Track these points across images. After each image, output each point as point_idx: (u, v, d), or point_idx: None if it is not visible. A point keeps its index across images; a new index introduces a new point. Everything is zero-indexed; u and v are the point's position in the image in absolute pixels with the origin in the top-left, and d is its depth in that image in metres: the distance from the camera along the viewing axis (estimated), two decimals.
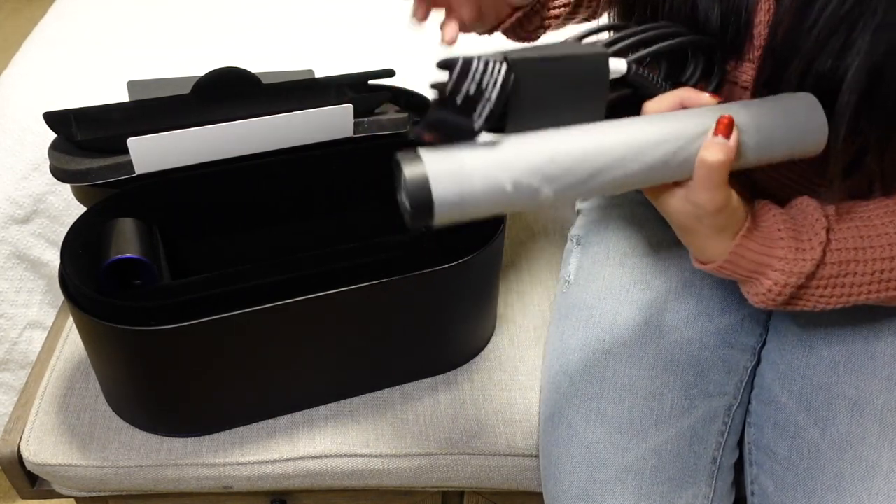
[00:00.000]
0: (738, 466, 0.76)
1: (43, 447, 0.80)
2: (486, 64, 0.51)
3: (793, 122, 0.56)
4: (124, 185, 0.79)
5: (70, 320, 0.92)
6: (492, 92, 0.51)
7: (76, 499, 0.89)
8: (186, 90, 0.81)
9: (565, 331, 0.80)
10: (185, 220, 0.84)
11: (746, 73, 0.61)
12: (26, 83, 1.18)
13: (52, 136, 0.81)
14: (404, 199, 0.49)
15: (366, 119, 0.86)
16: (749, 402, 0.77)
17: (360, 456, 0.81)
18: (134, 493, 0.85)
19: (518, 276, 0.99)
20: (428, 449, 0.81)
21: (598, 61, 0.55)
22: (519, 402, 0.85)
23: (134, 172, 0.78)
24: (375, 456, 0.81)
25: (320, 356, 0.79)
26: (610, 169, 0.52)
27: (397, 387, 0.86)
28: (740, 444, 0.76)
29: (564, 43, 0.59)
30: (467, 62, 0.51)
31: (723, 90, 0.64)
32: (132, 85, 0.88)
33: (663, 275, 0.79)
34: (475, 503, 0.91)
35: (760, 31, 0.60)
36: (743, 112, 0.55)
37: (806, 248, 0.59)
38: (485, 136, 0.52)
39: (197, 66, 0.90)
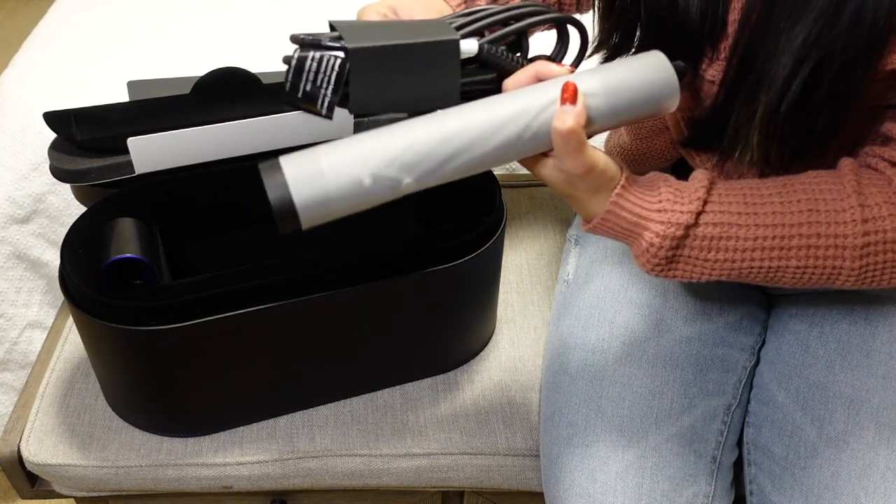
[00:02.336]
0: (738, 466, 0.76)
1: (43, 447, 0.80)
2: (321, 61, 0.53)
3: (644, 82, 0.57)
4: (124, 185, 0.79)
5: (70, 320, 0.92)
6: (327, 88, 0.54)
7: (76, 499, 0.89)
8: (186, 90, 0.81)
9: (564, 330, 0.80)
10: (185, 220, 0.84)
11: (714, 67, 0.62)
12: (26, 83, 1.18)
13: (52, 136, 0.81)
14: (272, 207, 0.50)
15: (365, 119, 0.86)
16: (748, 402, 0.77)
17: (360, 456, 0.81)
18: (134, 493, 0.85)
19: (518, 276, 1.00)
20: (428, 449, 0.81)
21: (446, 45, 0.57)
22: (519, 402, 0.85)
23: (134, 172, 0.78)
24: (375, 456, 0.81)
25: (320, 356, 0.79)
26: (467, 150, 0.53)
27: (397, 387, 0.86)
28: (740, 443, 0.76)
29: (416, 24, 0.60)
30: (301, 62, 0.54)
31: (697, 86, 0.65)
32: (132, 85, 0.88)
33: None
34: (475, 503, 0.91)
35: (734, 30, 0.60)
36: (593, 77, 0.56)
37: (685, 201, 0.58)
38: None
39: (197, 66, 0.90)
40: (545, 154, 0.57)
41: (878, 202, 0.57)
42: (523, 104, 0.54)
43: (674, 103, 0.58)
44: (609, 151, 0.90)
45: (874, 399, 0.68)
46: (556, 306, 0.85)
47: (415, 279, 0.76)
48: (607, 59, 0.70)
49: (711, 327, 0.76)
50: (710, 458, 0.72)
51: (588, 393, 0.73)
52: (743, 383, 0.76)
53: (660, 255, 0.59)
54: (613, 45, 0.69)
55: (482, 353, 0.90)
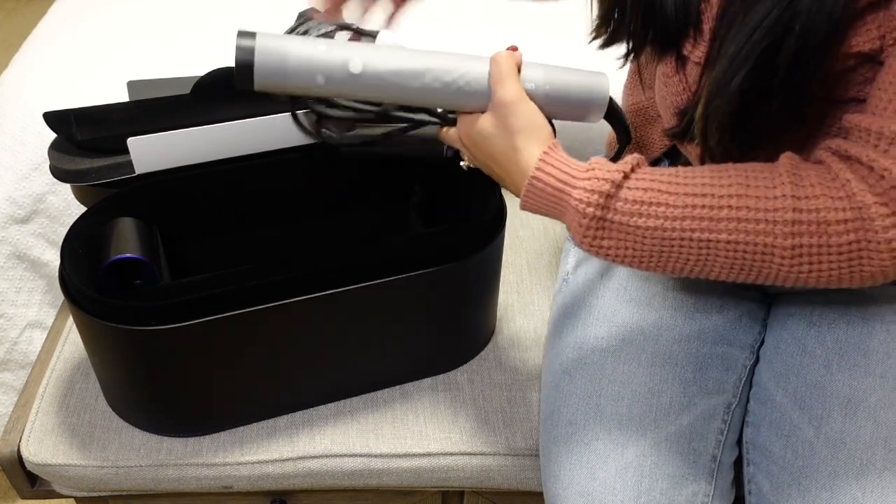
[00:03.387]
0: (738, 465, 0.76)
1: (43, 447, 0.80)
2: None
3: (583, 90, 0.66)
4: (124, 185, 0.79)
5: (70, 320, 0.92)
6: None
7: (76, 499, 0.89)
8: (186, 90, 0.81)
9: (564, 329, 0.80)
10: (185, 220, 0.84)
11: (699, 49, 0.64)
12: (26, 83, 1.18)
13: (52, 136, 0.81)
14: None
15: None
16: (748, 401, 0.77)
17: (360, 456, 0.81)
18: (134, 493, 0.85)
19: (518, 276, 1.00)
20: (428, 449, 0.81)
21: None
22: (519, 402, 0.85)
23: (134, 172, 0.78)
24: (375, 456, 0.81)
25: (320, 356, 0.79)
26: (417, 74, 0.63)
27: (397, 387, 0.86)
28: (739, 442, 0.76)
29: None
30: None
31: (688, 70, 0.66)
32: (132, 85, 0.88)
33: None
34: (475, 503, 0.91)
35: (710, 8, 0.62)
36: (544, 68, 0.66)
37: (613, 166, 0.59)
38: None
39: (197, 66, 0.90)
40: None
41: (813, 183, 0.56)
42: (472, 59, 0.65)
43: (595, 119, 0.68)
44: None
45: (871, 398, 0.68)
46: (556, 305, 0.85)
47: (415, 279, 0.76)
48: (604, 46, 0.71)
49: (711, 325, 0.76)
50: (710, 457, 0.72)
51: (587, 391, 0.73)
52: (743, 382, 0.76)
53: (588, 215, 0.59)
54: (610, 31, 0.70)
55: (482, 353, 0.90)
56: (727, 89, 0.58)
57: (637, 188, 0.59)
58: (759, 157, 0.61)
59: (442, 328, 0.83)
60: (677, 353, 0.74)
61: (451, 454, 0.81)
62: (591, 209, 0.59)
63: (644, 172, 0.60)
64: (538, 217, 1.09)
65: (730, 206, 0.57)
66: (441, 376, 0.87)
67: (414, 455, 0.81)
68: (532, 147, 0.61)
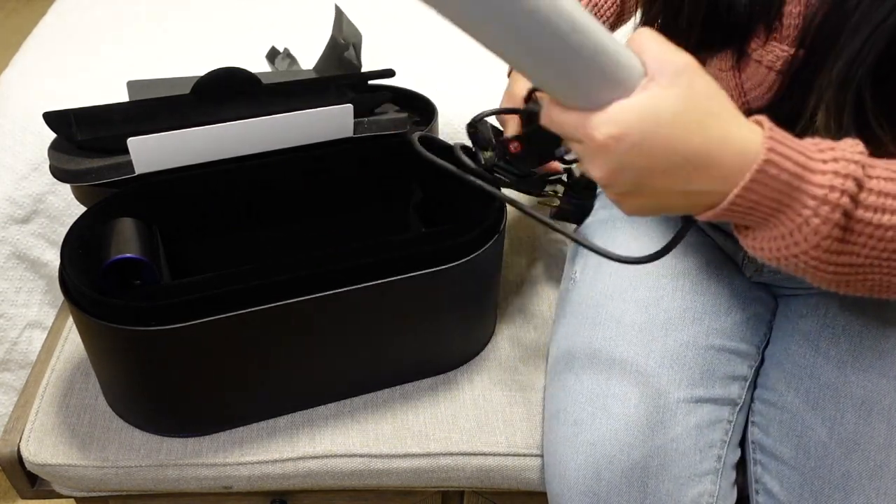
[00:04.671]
0: (739, 465, 0.76)
1: (43, 447, 0.80)
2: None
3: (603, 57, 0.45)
4: (124, 185, 0.79)
5: (70, 320, 0.92)
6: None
7: (76, 499, 0.89)
8: (186, 90, 0.81)
9: (571, 328, 0.80)
10: (185, 220, 0.84)
11: (773, 52, 0.59)
12: (26, 83, 1.18)
13: (52, 136, 0.81)
14: None
15: (366, 119, 0.86)
16: (752, 402, 0.77)
17: (360, 456, 0.81)
18: (134, 493, 0.85)
19: (518, 277, 0.99)
20: (428, 449, 0.81)
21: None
22: (519, 402, 0.85)
23: (134, 172, 0.78)
24: (375, 456, 0.81)
25: (320, 356, 0.79)
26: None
27: (397, 387, 0.86)
28: (742, 443, 0.76)
29: None
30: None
31: (745, 67, 0.61)
32: (132, 85, 0.88)
33: (669, 273, 0.78)
34: (475, 503, 0.91)
35: (791, 9, 0.58)
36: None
37: (844, 144, 0.46)
38: None
39: (197, 66, 0.90)
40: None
41: None
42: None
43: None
44: None
45: (886, 400, 0.68)
46: (563, 304, 0.85)
47: (416, 279, 0.76)
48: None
49: (719, 327, 0.76)
50: (715, 458, 0.72)
51: (594, 391, 0.73)
52: (748, 383, 0.76)
53: (836, 214, 0.45)
54: (653, 16, 0.65)
55: (482, 353, 0.90)
56: (847, 87, 0.51)
57: (881, 177, 0.46)
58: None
59: (442, 328, 0.83)
60: (684, 355, 0.74)
61: (451, 454, 0.81)
62: (844, 199, 0.45)
63: (874, 159, 0.48)
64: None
65: None
66: (441, 376, 0.87)
67: (414, 455, 0.81)
68: (743, 121, 0.45)
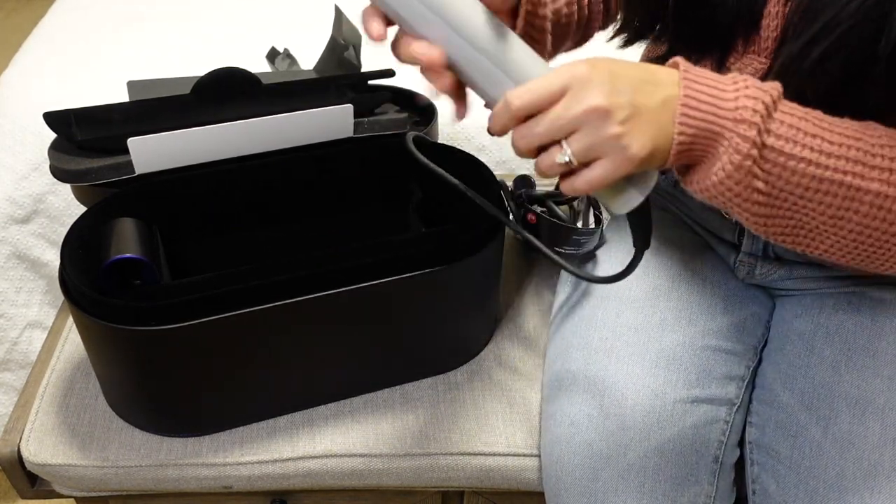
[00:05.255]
0: (738, 466, 0.76)
1: (43, 447, 0.80)
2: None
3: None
4: (124, 185, 0.79)
5: (70, 320, 0.92)
6: None
7: (76, 499, 0.89)
8: (186, 90, 0.81)
9: (568, 329, 0.80)
10: (185, 220, 0.84)
11: (750, 65, 0.61)
12: (26, 83, 1.18)
13: (52, 136, 0.81)
14: None
15: (366, 119, 0.86)
16: (750, 402, 0.77)
17: (360, 456, 0.81)
18: (134, 493, 0.85)
19: (518, 276, 1.00)
20: (428, 449, 0.81)
21: None
22: (519, 402, 0.85)
23: (134, 172, 0.78)
24: (375, 456, 0.81)
25: (320, 356, 0.79)
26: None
27: (397, 387, 0.86)
28: (741, 443, 0.76)
29: None
30: None
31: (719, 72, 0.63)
32: (132, 85, 0.88)
33: (665, 273, 0.79)
34: (475, 503, 0.91)
35: (768, 23, 0.59)
36: None
37: (757, 83, 0.51)
38: None
39: (197, 66, 0.91)
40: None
41: None
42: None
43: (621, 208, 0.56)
44: None
45: (880, 399, 0.68)
46: (560, 304, 0.85)
47: (416, 279, 0.76)
48: (626, 45, 0.68)
49: (715, 327, 0.76)
50: (713, 458, 0.72)
51: (591, 391, 0.73)
52: (745, 383, 0.76)
53: (751, 132, 0.49)
54: (635, 28, 0.67)
55: (482, 353, 0.90)
56: (823, 70, 0.53)
57: (792, 113, 0.51)
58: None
59: (442, 328, 0.83)
60: (681, 355, 0.74)
61: (451, 454, 0.81)
62: (756, 118, 0.49)
63: (789, 104, 0.52)
64: None
65: (882, 156, 0.52)
66: (441, 376, 0.87)
67: (414, 455, 0.81)
68: (660, 69, 0.51)
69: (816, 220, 0.54)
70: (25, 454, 0.80)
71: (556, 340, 0.81)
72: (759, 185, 0.52)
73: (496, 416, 0.84)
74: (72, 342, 0.90)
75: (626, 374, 0.73)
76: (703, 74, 0.52)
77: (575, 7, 0.68)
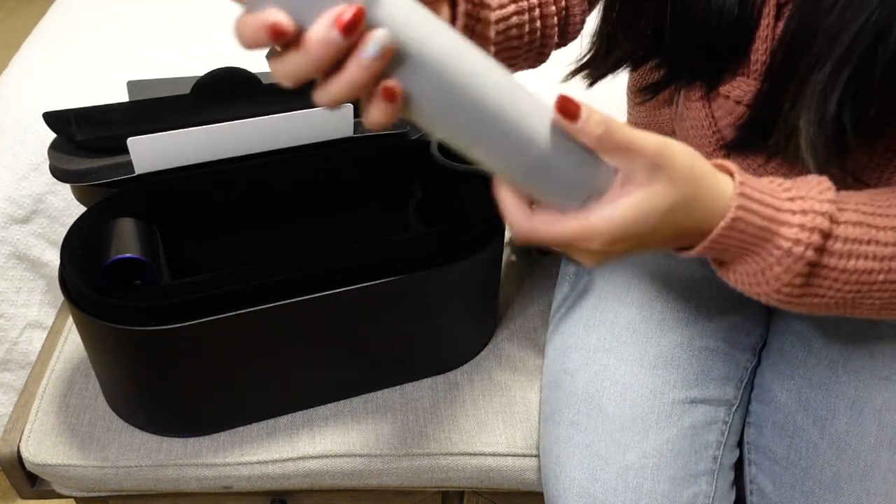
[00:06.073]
0: (738, 466, 0.76)
1: (43, 447, 0.80)
2: None
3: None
4: (124, 185, 0.79)
5: (70, 320, 0.92)
6: None
7: (76, 499, 0.89)
8: (186, 90, 0.81)
9: (566, 330, 0.80)
10: (185, 220, 0.84)
11: (740, 87, 0.61)
12: (26, 83, 1.18)
13: (52, 136, 0.81)
14: None
15: None
16: (749, 402, 0.77)
17: (360, 456, 0.81)
18: (134, 493, 0.85)
19: (518, 276, 1.00)
20: (428, 449, 0.81)
21: None
22: (519, 402, 0.85)
23: (134, 172, 0.78)
24: (375, 456, 0.81)
25: (320, 356, 0.79)
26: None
27: (397, 387, 0.86)
28: (740, 443, 0.76)
29: None
30: None
31: (714, 99, 0.63)
32: (132, 85, 0.88)
33: (664, 274, 0.79)
34: (475, 503, 0.91)
35: (758, 46, 0.59)
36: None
37: (814, 190, 0.48)
38: None
39: (197, 66, 0.90)
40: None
41: None
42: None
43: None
44: None
45: (877, 400, 0.68)
46: (558, 305, 0.85)
47: (416, 279, 0.76)
48: (593, 83, 0.67)
49: (714, 328, 0.76)
50: (711, 459, 0.72)
51: (589, 392, 0.73)
52: (744, 384, 0.76)
53: (799, 265, 0.48)
54: (612, 62, 0.65)
55: (482, 353, 0.90)
56: (832, 98, 0.51)
57: (849, 222, 0.49)
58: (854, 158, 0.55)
59: (442, 328, 0.83)
60: (679, 356, 0.74)
61: (451, 454, 0.81)
62: (804, 258, 0.48)
63: (849, 201, 0.50)
64: None
65: None
66: (441, 376, 0.87)
67: (414, 455, 0.81)
68: (719, 177, 0.47)
69: (872, 310, 0.54)
70: (25, 454, 0.80)
71: (555, 341, 0.81)
72: (809, 302, 0.51)
73: (496, 416, 0.84)
74: (72, 342, 0.90)
75: (625, 375, 0.73)
76: (759, 189, 0.48)
77: (526, 18, 0.63)
